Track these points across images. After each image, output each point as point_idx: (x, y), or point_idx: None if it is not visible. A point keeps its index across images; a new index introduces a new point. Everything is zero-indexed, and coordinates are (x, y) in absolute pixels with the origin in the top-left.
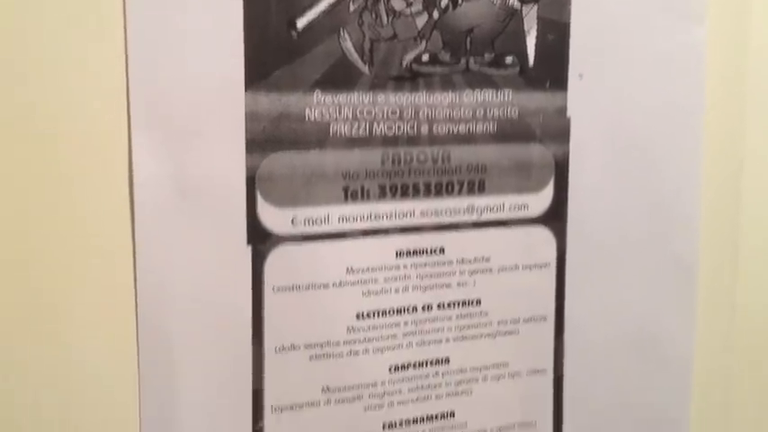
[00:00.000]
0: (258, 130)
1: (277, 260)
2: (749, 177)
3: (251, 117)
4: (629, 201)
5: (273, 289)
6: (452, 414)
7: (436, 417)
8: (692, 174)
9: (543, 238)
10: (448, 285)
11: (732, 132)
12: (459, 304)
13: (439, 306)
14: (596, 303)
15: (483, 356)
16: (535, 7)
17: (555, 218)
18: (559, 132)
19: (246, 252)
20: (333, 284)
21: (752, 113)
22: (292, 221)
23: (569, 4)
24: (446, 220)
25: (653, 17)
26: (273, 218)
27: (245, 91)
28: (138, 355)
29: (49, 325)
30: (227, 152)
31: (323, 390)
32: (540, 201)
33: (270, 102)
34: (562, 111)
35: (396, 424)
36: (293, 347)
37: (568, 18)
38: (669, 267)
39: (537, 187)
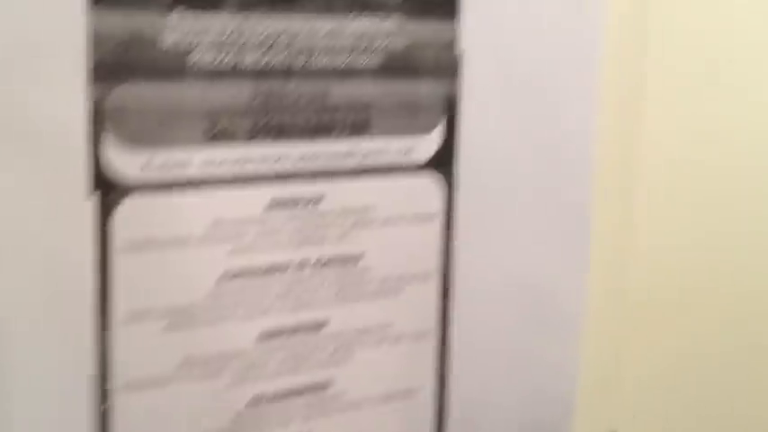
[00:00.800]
0: (104, 55)
1: (127, 213)
2: (649, 123)
3: (96, 39)
4: (523, 147)
5: (123, 247)
6: (329, 384)
7: (311, 387)
8: (587, 121)
9: (431, 185)
10: (326, 240)
11: (630, 78)
12: (338, 261)
13: (315, 263)
14: (486, 259)
15: (363, 319)
16: None
17: (444, 163)
18: (450, 68)
19: (88, 204)
20: (194, 240)
21: (653, 57)
22: (146, 166)
23: None
24: (324, 165)
25: None
26: (123, 162)
27: (89, 6)
28: None
29: None
30: (66, 81)
31: (182, 362)
32: (429, 144)
33: (119, 21)
34: (453, 44)
35: (265, 398)
36: (147, 315)
37: None
38: (562, 218)
39: (425, 130)
